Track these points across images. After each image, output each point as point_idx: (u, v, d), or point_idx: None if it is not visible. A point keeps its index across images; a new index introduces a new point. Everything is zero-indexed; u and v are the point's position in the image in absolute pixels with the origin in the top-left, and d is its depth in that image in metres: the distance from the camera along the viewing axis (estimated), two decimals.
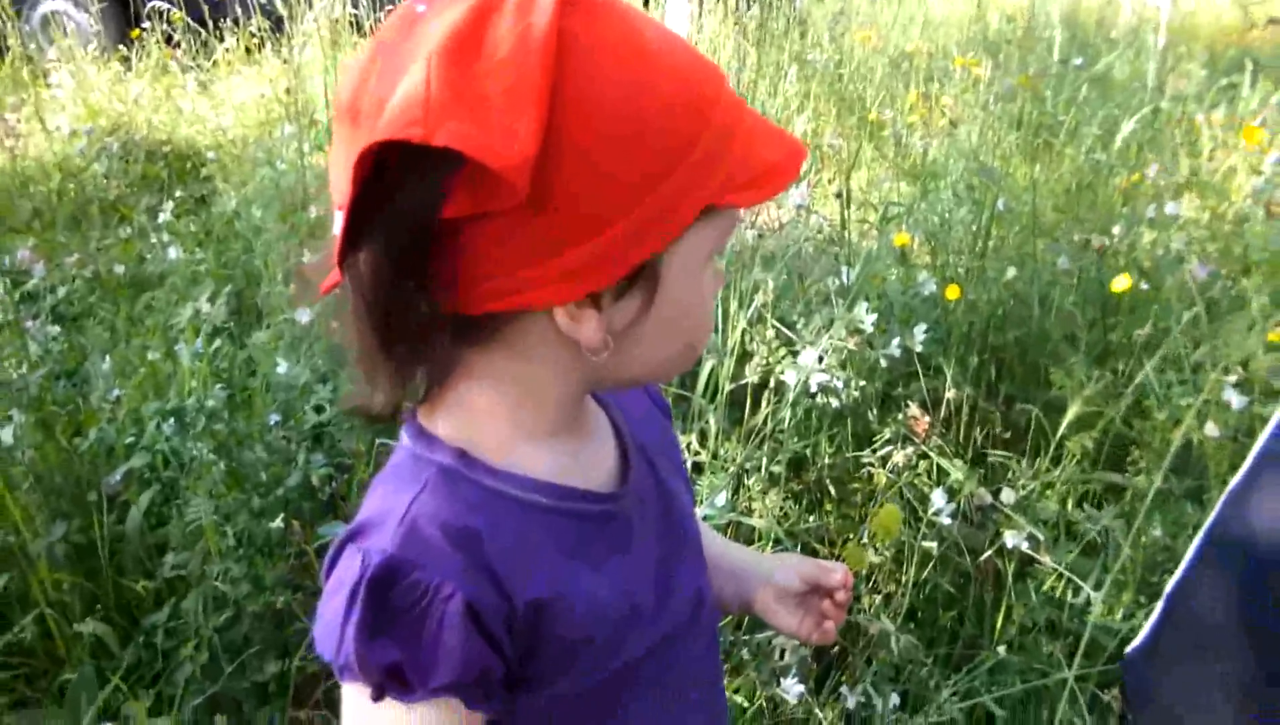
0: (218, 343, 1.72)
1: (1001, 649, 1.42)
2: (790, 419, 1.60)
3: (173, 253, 2.59)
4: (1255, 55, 4.24)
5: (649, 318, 0.61)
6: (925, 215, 2.22)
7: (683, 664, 0.75)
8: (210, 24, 5.42)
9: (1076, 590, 1.60)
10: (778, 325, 1.58)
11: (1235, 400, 1.60)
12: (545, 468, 0.66)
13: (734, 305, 1.58)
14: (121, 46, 5.75)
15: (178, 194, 2.94)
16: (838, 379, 1.62)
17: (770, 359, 1.56)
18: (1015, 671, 1.51)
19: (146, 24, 5.52)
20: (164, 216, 2.67)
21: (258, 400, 1.84)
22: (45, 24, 6.40)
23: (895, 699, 1.26)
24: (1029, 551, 1.54)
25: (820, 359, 1.56)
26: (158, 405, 1.54)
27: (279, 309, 2.02)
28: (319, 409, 2.12)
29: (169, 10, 5.47)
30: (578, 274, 0.57)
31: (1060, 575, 1.63)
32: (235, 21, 5.43)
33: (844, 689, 1.29)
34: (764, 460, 1.56)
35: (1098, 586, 1.43)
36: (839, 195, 1.75)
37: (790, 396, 1.53)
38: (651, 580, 0.71)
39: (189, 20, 5.46)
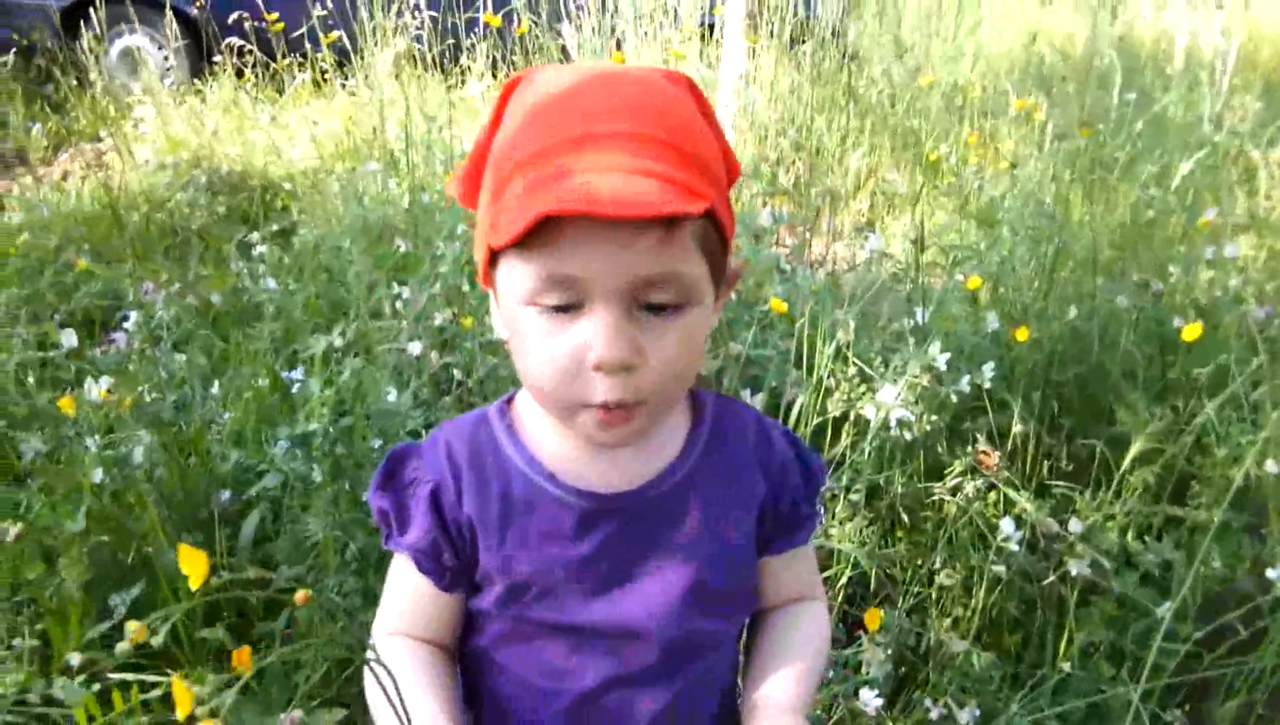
0: (343, 374, 1.86)
1: (1066, 665, 1.51)
2: (867, 451, 1.71)
3: (271, 283, 2.75)
4: None
5: (509, 334, 0.79)
6: (986, 255, 2.33)
7: (611, 664, 0.85)
8: (280, 57, 5.66)
9: (1137, 617, 1.68)
10: (858, 362, 1.70)
11: None
12: (546, 443, 0.85)
13: (819, 343, 1.70)
14: (196, 80, 6.01)
15: (273, 227, 3.10)
16: (911, 413, 1.73)
17: (851, 394, 1.67)
18: (1078, 693, 1.60)
19: (218, 58, 5.75)
20: (261, 249, 2.84)
21: (360, 425, 1.98)
22: (122, 58, 6.70)
23: (976, 712, 1.36)
24: (1093, 577, 1.64)
25: (897, 395, 1.67)
26: (288, 430, 1.68)
27: (380, 340, 2.16)
28: (415, 434, 2.27)
29: (243, 45, 5.72)
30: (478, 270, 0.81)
31: (1121, 604, 1.72)
32: (303, 55, 5.63)
33: (928, 701, 1.39)
34: (844, 489, 1.67)
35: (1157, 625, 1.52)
36: (914, 241, 1.87)
37: (871, 430, 1.65)
38: (589, 576, 0.84)
39: (260, 54, 5.70)
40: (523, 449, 0.85)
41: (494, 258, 0.76)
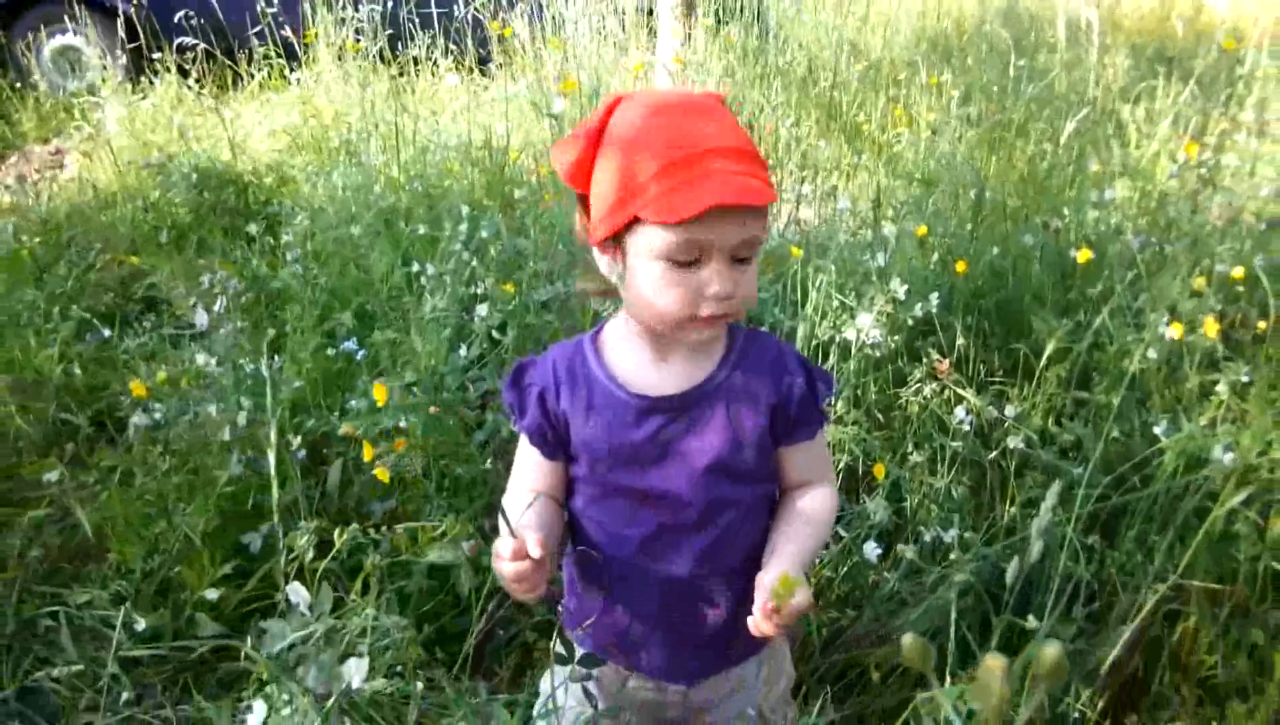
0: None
1: (1013, 509, 2.03)
2: (850, 365, 2.20)
3: (298, 269, 3.11)
4: (1167, 52, 4.94)
5: (629, 278, 1.11)
6: (922, 208, 2.84)
7: (664, 516, 1.20)
8: (231, 55, 5.85)
9: (1061, 477, 2.22)
10: (839, 297, 2.19)
11: (1168, 333, 2.23)
12: (621, 361, 1.20)
13: (809, 284, 2.18)
14: (141, 79, 6.13)
15: (296, 218, 3.43)
16: (880, 335, 2.23)
17: (837, 321, 2.16)
18: (1023, 532, 2.12)
19: (157, 55, 5.89)
20: (286, 237, 3.19)
21: (448, 378, 2.38)
22: (56, 58, 6.75)
23: (955, 531, 1.86)
24: (1026, 450, 2.16)
25: (871, 322, 2.17)
26: (411, 377, 2.08)
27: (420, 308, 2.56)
28: (463, 388, 2.68)
29: (186, 43, 5.88)
30: (597, 229, 1.12)
31: (1046, 471, 2.25)
32: (250, 51, 5.82)
33: (921, 528, 1.90)
34: (836, 396, 2.17)
35: (1077, 482, 2.05)
36: (874, 201, 2.36)
37: (853, 348, 2.14)
38: (644, 454, 1.18)
39: (212, 50, 5.87)
40: (603, 365, 1.21)
41: (626, 226, 1.11)
